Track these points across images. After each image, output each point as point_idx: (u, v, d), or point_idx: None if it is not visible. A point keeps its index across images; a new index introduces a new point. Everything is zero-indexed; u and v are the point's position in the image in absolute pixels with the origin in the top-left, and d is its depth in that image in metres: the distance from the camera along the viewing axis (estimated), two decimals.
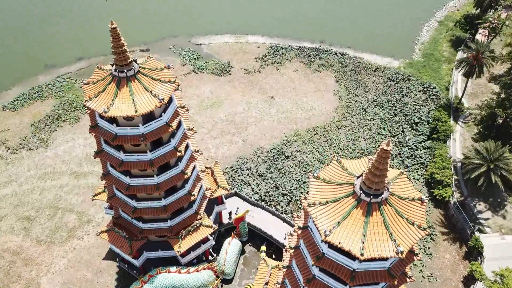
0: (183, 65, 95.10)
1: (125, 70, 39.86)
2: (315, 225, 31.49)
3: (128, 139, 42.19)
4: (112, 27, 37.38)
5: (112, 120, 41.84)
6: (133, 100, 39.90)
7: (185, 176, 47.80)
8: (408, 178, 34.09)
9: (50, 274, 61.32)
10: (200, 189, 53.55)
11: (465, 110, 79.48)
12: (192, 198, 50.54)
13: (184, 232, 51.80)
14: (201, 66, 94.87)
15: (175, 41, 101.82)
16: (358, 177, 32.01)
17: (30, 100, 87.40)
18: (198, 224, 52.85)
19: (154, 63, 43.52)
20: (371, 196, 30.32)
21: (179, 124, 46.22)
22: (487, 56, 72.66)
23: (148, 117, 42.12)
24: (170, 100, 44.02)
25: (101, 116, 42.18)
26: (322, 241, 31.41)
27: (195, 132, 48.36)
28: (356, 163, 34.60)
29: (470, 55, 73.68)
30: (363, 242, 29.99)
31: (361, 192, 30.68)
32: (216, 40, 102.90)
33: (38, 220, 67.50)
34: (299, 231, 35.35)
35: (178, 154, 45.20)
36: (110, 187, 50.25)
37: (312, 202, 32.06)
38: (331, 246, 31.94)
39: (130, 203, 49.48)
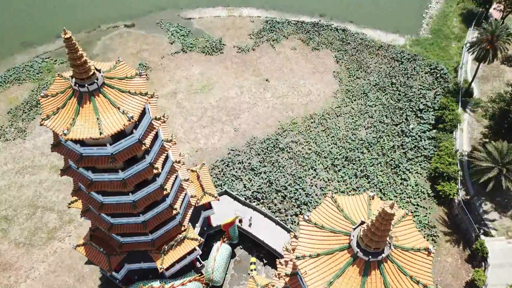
0: (171, 43, 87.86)
1: (87, 84, 34.04)
2: (305, 282, 27.17)
3: (95, 160, 37.10)
4: (65, 37, 31.21)
5: (77, 139, 36.47)
6: (98, 119, 34.36)
7: (165, 192, 43.12)
8: (413, 221, 29.36)
9: (29, 280, 58.12)
10: (184, 199, 49.00)
11: (474, 104, 73.06)
12: (174, 212, 46.14)
13: (166, 247, 47.75)
14: (191, 44, 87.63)
15: (162, 15, 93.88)
16: (355, 228, 27.24)
17: (6, 83, 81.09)
18: (182, 238, 48.74)
19: (123, 69, 37.54)
20: (370, 256, 25.76)
21: (155, 137, 40.90)
22: (503, 39, 65.61)
23: (118, 135, 36.70)
24: (143, 113, 38.46)
25: None
26: None
27: (175, 144, 43.15)
28: (354, 202, 29.66)
29: (484, 38, 66.55)
30: None
31: (358, 249, 26.05)
32: (207, 13, 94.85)
33: (17, 220, 63.59)
34: (287, 278, 31.11)
35: (155, 171, 40.24)
36: (84, 202, 45.74)
37: (301, 254, 27.52)
38: None
39: (106, 219, 45.16)
